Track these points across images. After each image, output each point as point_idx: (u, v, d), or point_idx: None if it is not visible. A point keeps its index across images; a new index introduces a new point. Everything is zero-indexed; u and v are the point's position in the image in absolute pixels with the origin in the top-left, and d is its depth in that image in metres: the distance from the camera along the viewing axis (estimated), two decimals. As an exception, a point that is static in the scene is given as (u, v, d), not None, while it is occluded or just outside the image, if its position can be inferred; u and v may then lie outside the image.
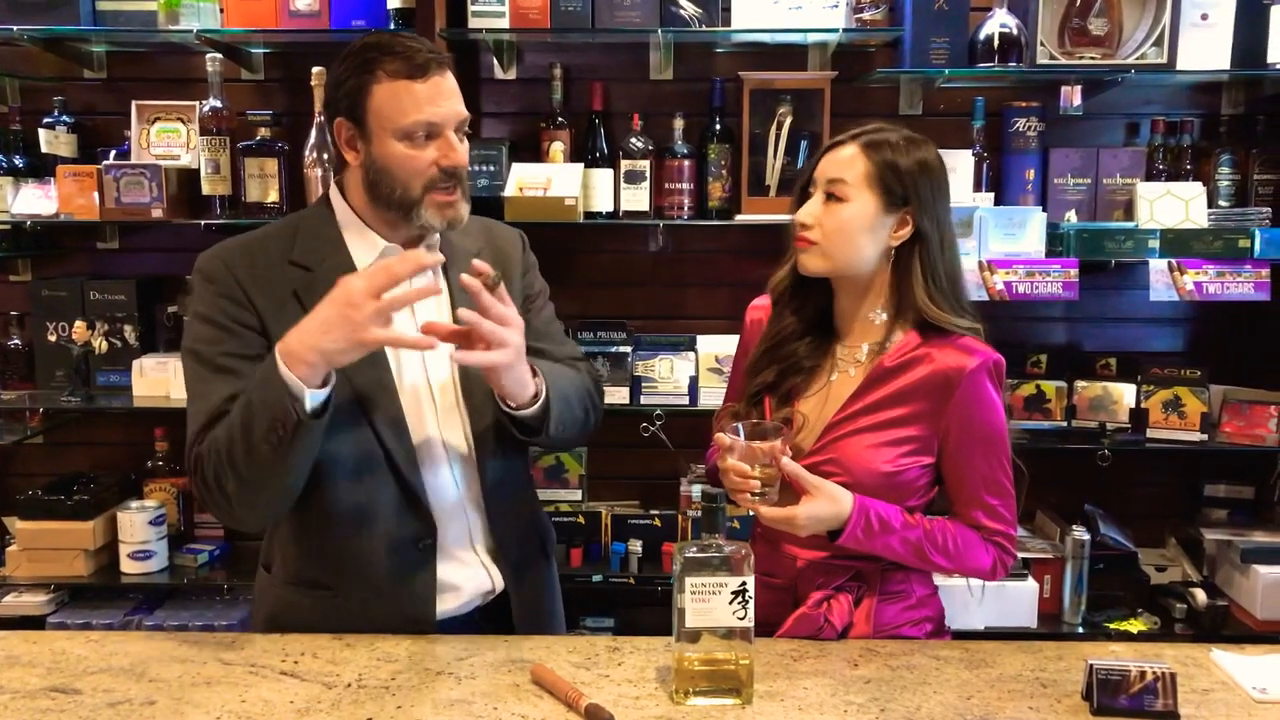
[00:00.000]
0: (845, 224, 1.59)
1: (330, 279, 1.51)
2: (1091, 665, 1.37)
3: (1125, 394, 2.74)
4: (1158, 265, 2.58)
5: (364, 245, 1.62)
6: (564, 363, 1.76)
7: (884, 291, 1.65)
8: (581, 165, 2.71)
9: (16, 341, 2.87)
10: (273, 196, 2.67)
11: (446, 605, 1.63)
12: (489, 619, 1.68)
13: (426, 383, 1.63)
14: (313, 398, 1.42)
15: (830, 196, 1.60)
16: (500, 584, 1.68)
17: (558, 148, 2.75)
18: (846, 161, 1.60)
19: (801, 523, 1.54)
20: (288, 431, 1.42)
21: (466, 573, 1.65)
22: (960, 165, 2.66)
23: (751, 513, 1.58)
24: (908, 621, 1.66)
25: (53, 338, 2.82)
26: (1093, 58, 2.60)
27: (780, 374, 1.69)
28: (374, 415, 1.57)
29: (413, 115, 1.52)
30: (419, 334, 1.53)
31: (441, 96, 1.54)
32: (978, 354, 1.60)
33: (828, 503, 1.54)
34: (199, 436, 1.52)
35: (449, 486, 1.63)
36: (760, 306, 1.79)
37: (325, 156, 2.63)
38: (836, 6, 2.61)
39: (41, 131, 2.77)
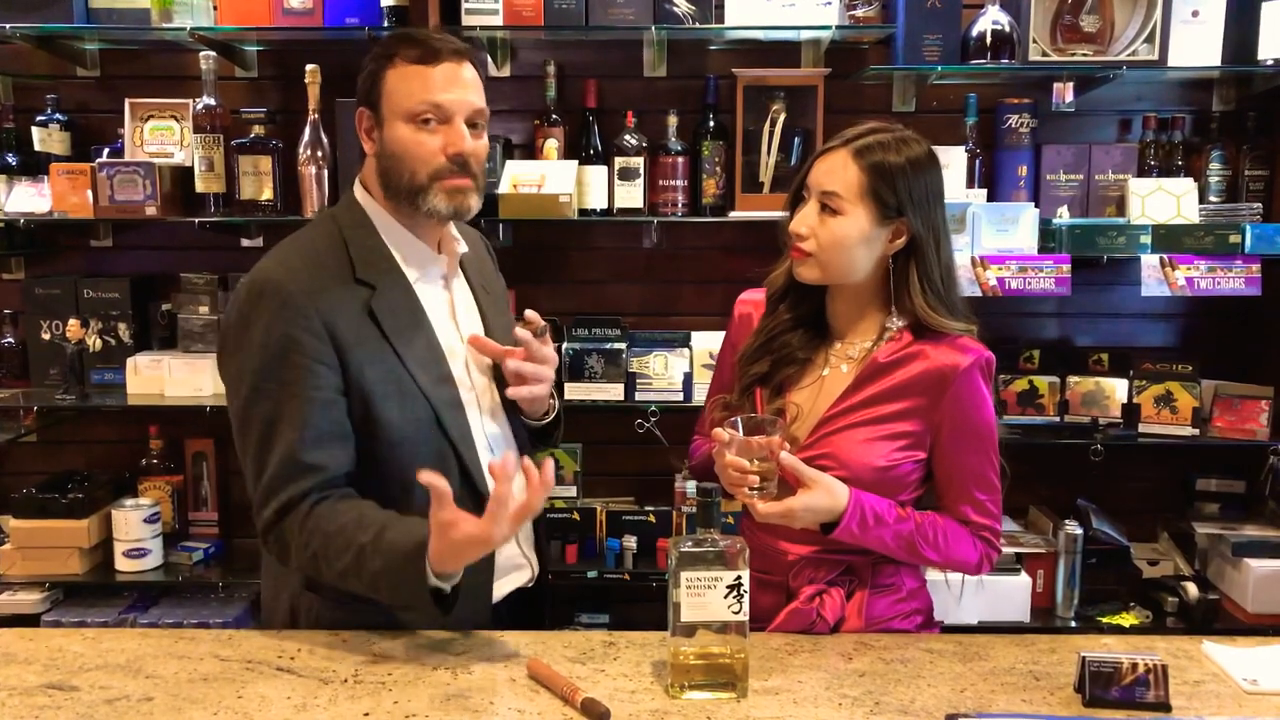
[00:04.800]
0: (840, 238, 1.59)
1: (393, 294, 1.58)
2: (1084, 657, 1.38)
3: (1117, 389, 2.75)
4: (1149, 261, 2.59)
5: (411, 256, 1.62)
6: None
7: (880, 296, 1.66)
8: (575, 162, 2.72)
9: (10, 340, 2.87)
10: (267, 194, 2.67)
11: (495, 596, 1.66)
12: (512, 610, 1.70)
13: (474, 392, 1.65)
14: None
15: (824, 208, 1.61)
16: (536, 571, 1.74)
17: (552, 145, 2.75)
18: (838, 171, 1.60)
19: (799, 514, 1.55)
20: (412, 606, 1.49)
21: (512, 563, 1.69)
22: (953, 162, 2.67)
23: (748, 509, 1.59)
24: (898, 614, 1.68)
25: (46, 336, 2.82)
26: (1085, 54, 2.61)
27: (774, 365, 1.70)
28: (451, 431, 1.58)
29: (420, 96, 1.53)
30: (459, 337, 1.66)
31: (454, 83, 1.55)
32: (971, 352, 1.61)
33: (825, 495, 1.55)
34: (272, 495, 1.51)
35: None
36: (749, 301, 1.80)
37: (319, 154, 2.64)
38: (830, 4, 2.61)
39: (34, 129, 2.77)
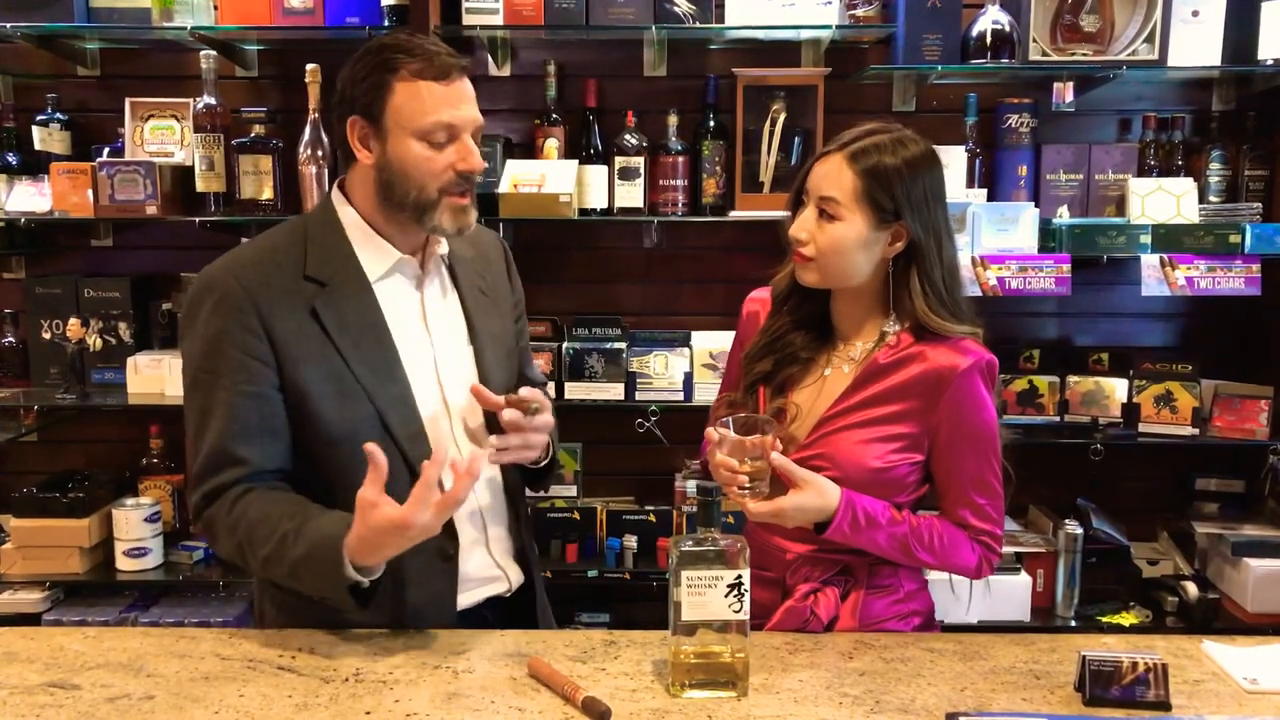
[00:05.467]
0: (838, 243, 1.59)
1: (344, 293, 1.56)
2: (1084, 656, 1.39)
3: (1117, 389, 2.75)
4: (1149, 260, 2.60)
5: (375, 256, 1.60)
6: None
7: (882, 299, 1.65)
8: (576, 162, 2.72)
9: (11, 339, 2.87)
10: (267, 194, 2.67)
11: (463, 603, 1.64)
12: (498, 614, 1.70)
13: (441, 396, 1.63)
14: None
15: (822, 213, 1.61)
16: (514, 583, 1.71)
17: (552, 144, 2.76)
18: (835, 176, 1.59)
19: (789, 514, 1.55)
20: (330, 600, 1.48)
21: (485, 573, 1.67)
22: (953, 161, 2.67)
23: (740, 508, 1.59)
24: (895, 615, 1.68)
25: (47, 335, 2.82)
26: (1085, 54, 2.61)
27: (776, 364, 1.70)
28: (396, 431, 1.56)
29: (434, 116, 1.52)
30: (428, 339, 1.63)
31: (463, 100, 1.55)
32: (970, 354, 1.61)
33: (815, 495, 1.55)
34: (200, 482, 1.55)
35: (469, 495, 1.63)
36: (757, 299, 1.80)
37: (320, 154, 2.64)
38: (830, 3, 2.62)
39: (35, 129, 2.78)
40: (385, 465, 1.39)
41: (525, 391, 1.59)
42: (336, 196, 1.64)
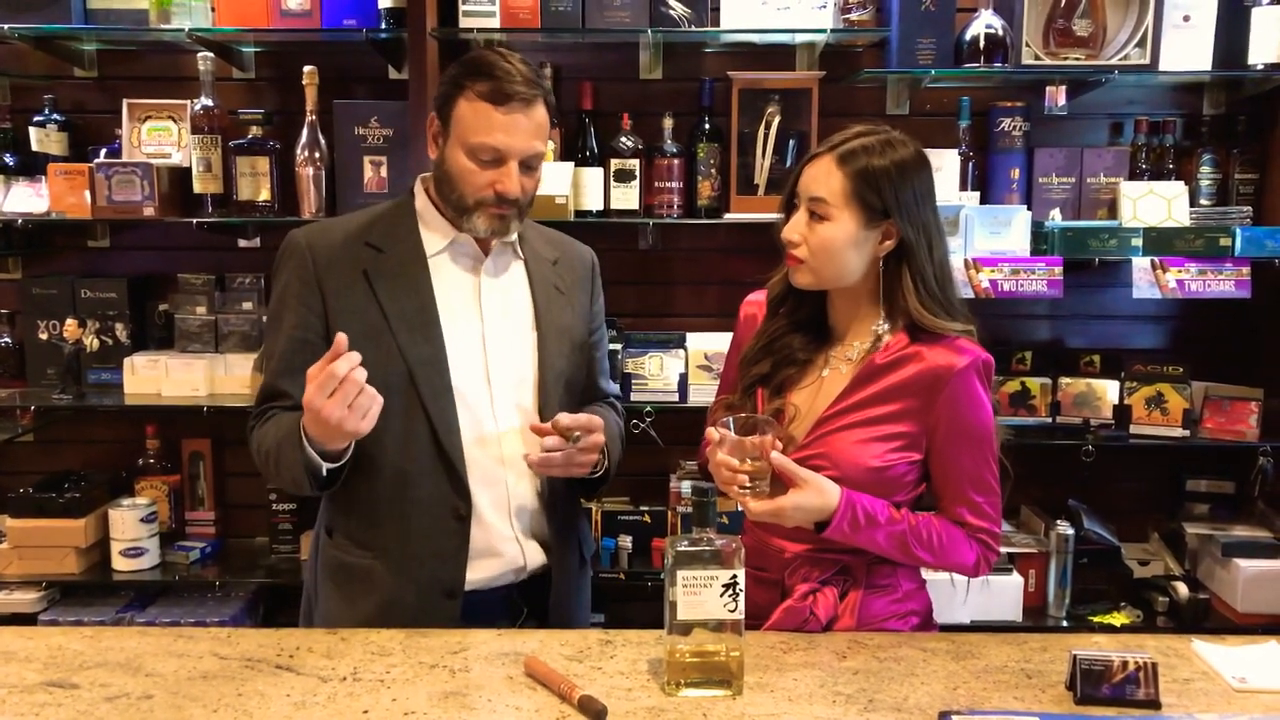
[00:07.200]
0: (829, 243, 1.61)
1: (398, 261, 1.70)
2: (1075, 656, 1.40)
3: (1109, 390, 2.77)
4: (1141, 263, 2.61)
5: (434, 234, 1.73)
6: (608, 402, 1.92)
7: (876, 298, 1.67)
8: (572, 164, 2.73)
9: (8, 340, 2.87)
10: (264, 195, 2.68)
11: (479, 574, 1.71)
12: (525, 598, 1.76)
13: (485, 372, 1.72)
14: (328, 469, 1.60)
15: (813, 214, 1.63)
16: (536, 561, 1.75)
17: (548, 146, 2.76)
18: (824, 177, 1.61)
19: (789, 513, 1.57)
20: (306, 489, 1.63)
21: (502, 545, 1.72)
22: (946, 165, 2.68)
23: (740, 507, 1.60)
24: (894, 615, 1.69)
25: (44, 336, 2.83)
26: (1077, 58, 2.63)
27: (774, 366, 1.72)
28: (422, 388, 1.67)
29: (481, 137, 1.62)
30: (479, 316, 1.73)
31: (516, 128, 1.63)
32: (967, 353, 1.62)
33: (815, 495, 1.57)
34: (255, 411, 1.75)
35: (493, 461, 1.71)
36: (754, 302, 1.82)
37: (317, 155, 2.65)
38: (824, 7, 2.63)
39: (32, 130, 2.78)
40: (343, 347, 1.47)
41: (566, 419, 1.65)
42: (418, 184, 1.79)
